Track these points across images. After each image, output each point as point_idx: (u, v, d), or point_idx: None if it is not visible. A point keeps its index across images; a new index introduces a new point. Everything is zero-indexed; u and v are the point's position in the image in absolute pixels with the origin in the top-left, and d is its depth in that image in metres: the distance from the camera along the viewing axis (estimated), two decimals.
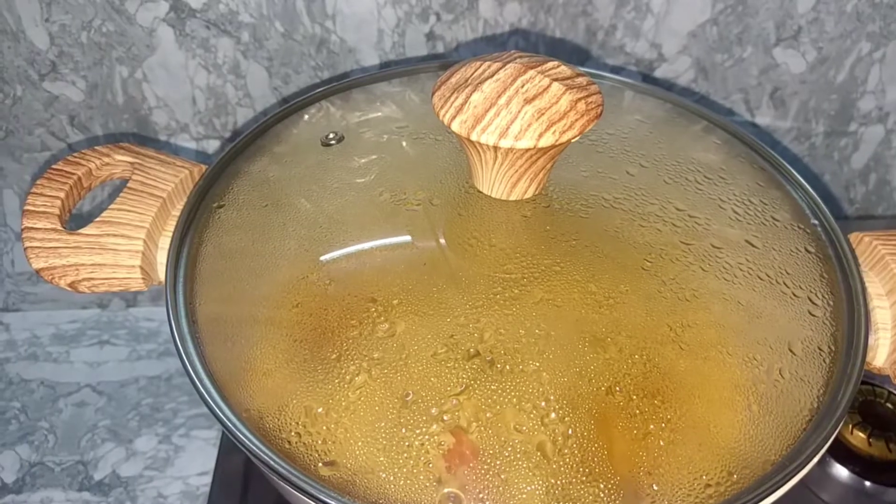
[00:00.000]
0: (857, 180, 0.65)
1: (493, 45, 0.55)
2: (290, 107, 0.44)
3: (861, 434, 0.46)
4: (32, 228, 0.36)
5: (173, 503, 0.55)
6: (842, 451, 0.46)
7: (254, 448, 0.29)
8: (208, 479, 0.56)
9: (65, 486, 0.56)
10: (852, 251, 0.35)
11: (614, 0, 0.53)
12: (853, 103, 0.59)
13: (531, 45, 0.56)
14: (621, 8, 0.54)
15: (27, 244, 0.36)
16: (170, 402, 0.61)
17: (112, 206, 0.38)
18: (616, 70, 0.57)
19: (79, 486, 0.56)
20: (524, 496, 0.28)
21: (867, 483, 0.45)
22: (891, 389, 0.48)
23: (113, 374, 0.62)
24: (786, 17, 0.54)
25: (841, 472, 0.46)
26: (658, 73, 0.58)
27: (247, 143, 0.42)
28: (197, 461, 0.57)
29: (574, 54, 0.56)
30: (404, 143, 0.40)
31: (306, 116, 0.44)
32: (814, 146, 0.62)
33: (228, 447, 0.50)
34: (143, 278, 0.37)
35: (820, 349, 0.32)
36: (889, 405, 0.47)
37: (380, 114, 0.44)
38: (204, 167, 0.41)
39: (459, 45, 0.55)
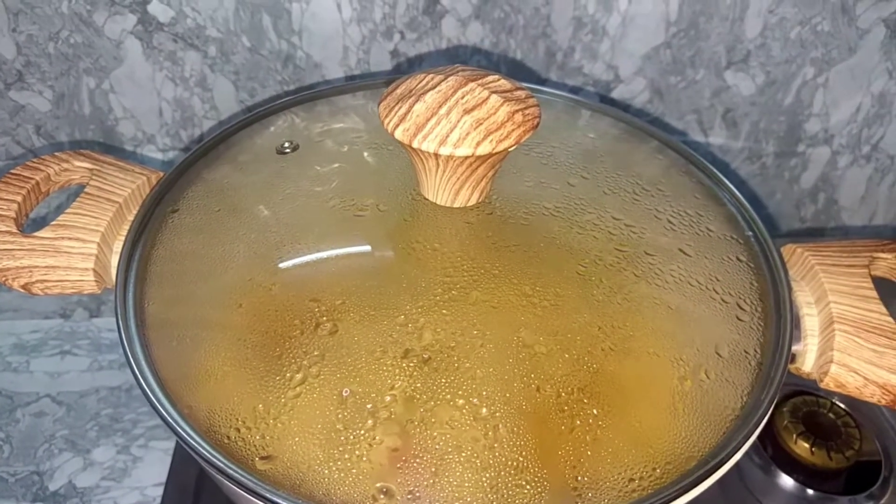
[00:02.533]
0: (806, 199, 0.67)
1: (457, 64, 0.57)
2: (251, 116, 0.45)
3: (804, 443, 0.47)
4: None
5: None
6: (786, 460, 0.48)
7: (192, 442, 0.30)
8: None
9: (18, 497, 0.56)
10: (782, 260, 0.37)
11: (572, 23, 0.55)
12: (800, 125, 0.61)
13: (493, 64, 0.57)
14: (579, 31, 0.56)
15: None
16: (129, 413, 0.61)
17: (68, 210, 0.38)
18: (574, 90, 0.59)
19: (33, 497, 0.56)
20: (454, 488, 0.28)
21: (810, 491, 0.47)
22: (833, 400, 0.50)
23: (73, 384, 0.62)
24: (735, 42, 0.57)
25: (785, 480, 0.47)
26: (615, 94, 0.60)
27: (206, 150, 0.43)
28: (154, 472, 0.57)
29: (534, 75, 0.58)
30: (365, 154, 0.41)
31: (272, 128, 0.45)
32: (765, 166, 0.64)
33: (182, 459, 0.50)
34: (96, 281, 0.38)
35: (746, 352, 0.33)
36: (831, 415, 0.49)
37: (341, 124, 0.45)
38: (162, 174, 0.42)
39: (423, 63, 0.57)
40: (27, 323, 0.66)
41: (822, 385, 0.33)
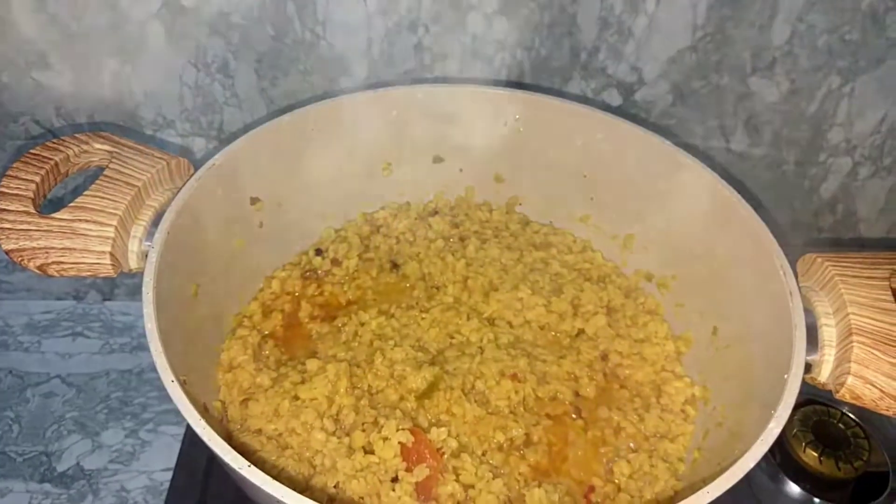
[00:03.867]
0: (825, 209, 0.66)
1: (480, 61, 0.57)
2: None
3: (813, 453, 0.47)
4: (5, 210, 0.37)
5: (136, 498, 0.55)
6: (794, 469, 0.47)
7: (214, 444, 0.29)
8: None
9: (26, 477, 0.56)
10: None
11: (598, 23, 0.55)
12: (823, 135, 0.61)
13: (517, 61, 0.57)
14: (605, 31, 0.55)
15: None
16: (139, 397, 0.61)
17: (86, 192, 0.38)
18: (597, 92, 0.59)
19: (40, 478, 0.56)
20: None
21: (816, 500, 0.46)
22: (844, 410, 0.49)
23: (84, 366, 0.63)
24: (762, 49, 0.56)
25: (793, 489, 0.47)
26: (637, 97, 0.59)
27: None
28: (162, 456, 0.57)
29: (557, 74, 0.58)
30: None
31: None
32: (785, 174, 0.64)
33: (192, 443, 0.50)
34: (112, 264, 0.37)
35: None
36: (841, 425, 0.48)
37: None
38: (182, 160, 0.41)
39: (446, 58, 0.56)
40: (40, 303, 0.66)
41: (837, 396, 0.33)
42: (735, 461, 0.29)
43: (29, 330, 0.64)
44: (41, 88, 0.55)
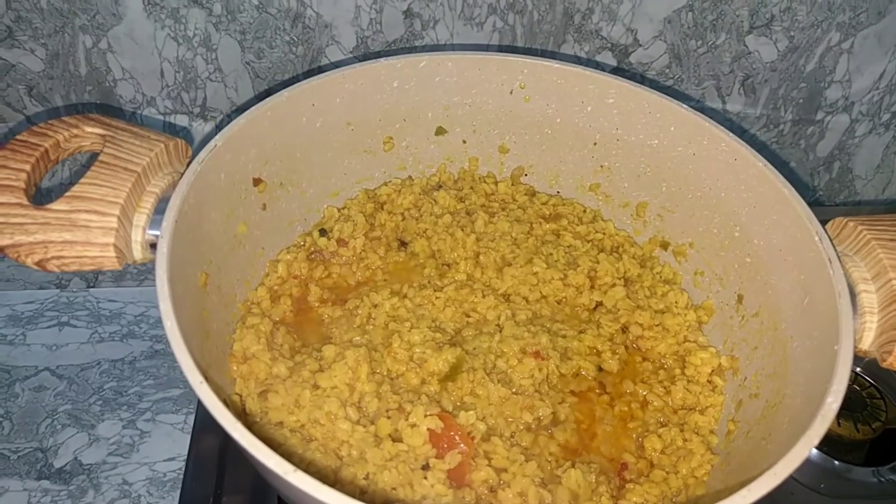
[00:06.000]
0: (821, 168, 0.66)
1: (471, 25, 0.55)
2: None
3: None
4: None
5: (139, 490, 0.54)
6: None
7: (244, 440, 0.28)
8: (176, 465, 0.55)
9: (22, 475, 0.54)
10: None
11: None
12: (821, 92, 0.60)
13: (509, 26, 0.55)
14: None
15: None
16: (134, 387, 0.59)
17: (83, 180, 0.36)
18: (591, 55, 0.57)
19: (37, 475, 0.54)
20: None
21: (836, 462, 0.47)
22: (857, 371, 0.50)
23: (73, 357, 0.60)
24: (759, 5, 0.55)
25: (811, 452, 0.47)
26: (633, 59, 0.58)
27: None
28: (164, 447, 0.56)
29: (551, 37, 0.56)
30: None
31: None
32: (782, 133, 0.63)
33: (201, 429, 0.48)
34: (116, 257, 0.35)
35: None
36: (856, 387, 0.49)
37: None
38: (181, 141, 0.39)
39: (437, 24, 0.54)
40: (21, 293, 0.63)
41: (884, 364, 0.32)
42: (789, 436, 0.28)
43: (12, 322, 0.62)
44: (10, 68, 0.51)
